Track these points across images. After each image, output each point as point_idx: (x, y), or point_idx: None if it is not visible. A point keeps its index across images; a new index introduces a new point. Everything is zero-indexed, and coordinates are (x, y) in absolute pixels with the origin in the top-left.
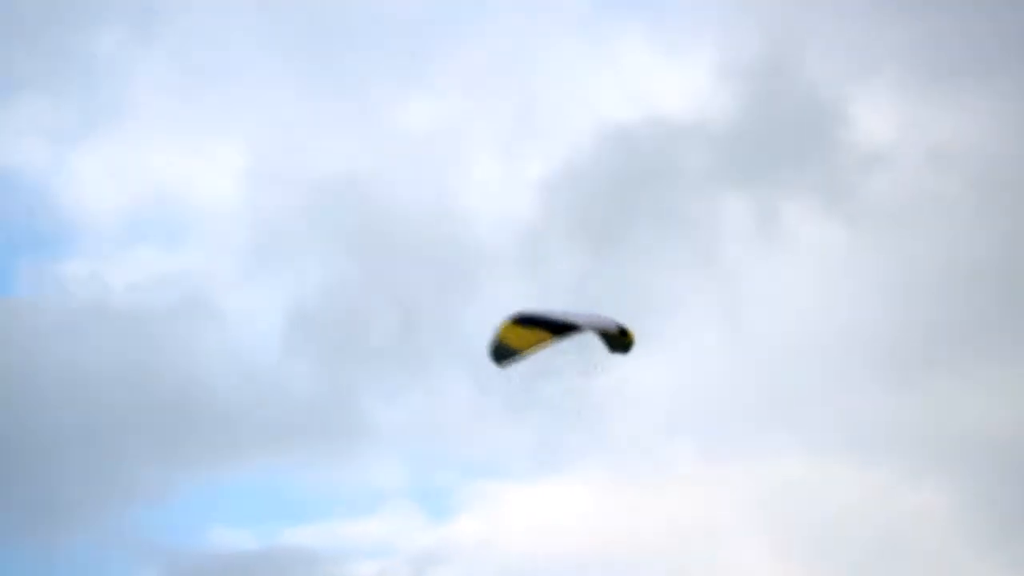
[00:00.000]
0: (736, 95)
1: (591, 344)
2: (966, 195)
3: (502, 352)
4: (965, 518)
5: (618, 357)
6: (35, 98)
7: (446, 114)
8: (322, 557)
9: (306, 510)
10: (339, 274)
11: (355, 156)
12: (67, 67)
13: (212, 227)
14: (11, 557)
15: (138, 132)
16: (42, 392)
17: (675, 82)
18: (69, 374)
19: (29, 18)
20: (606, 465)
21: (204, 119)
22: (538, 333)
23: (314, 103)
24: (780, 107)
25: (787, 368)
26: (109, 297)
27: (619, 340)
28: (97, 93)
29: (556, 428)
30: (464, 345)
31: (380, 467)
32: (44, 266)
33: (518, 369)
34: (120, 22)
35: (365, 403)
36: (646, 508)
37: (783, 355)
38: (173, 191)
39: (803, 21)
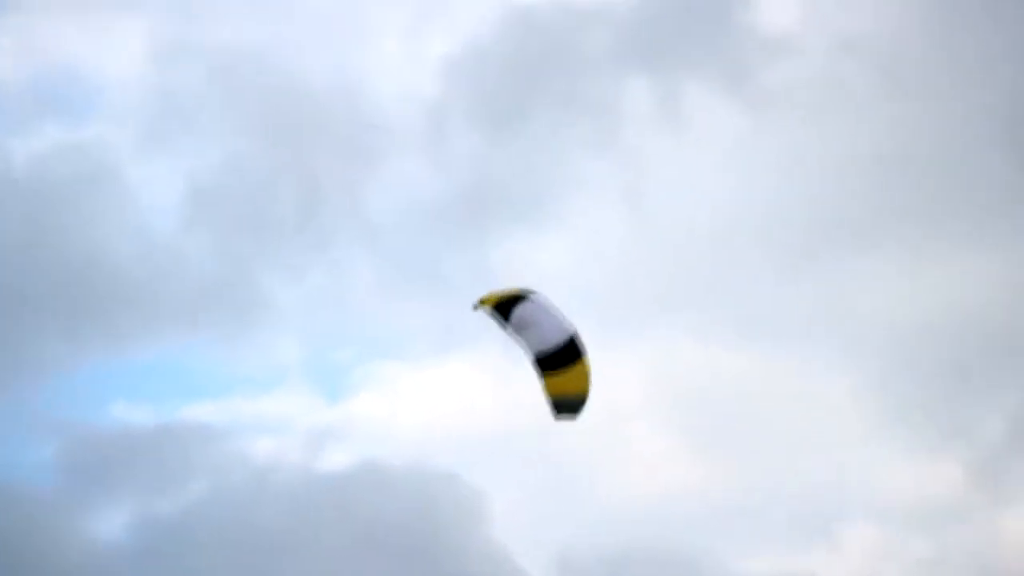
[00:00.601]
0: None
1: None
2: (871, 83)
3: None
4: (858, 404)
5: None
6: None
7: None
8: (219, 433)
9: (205, 387)
10: (241, 148)
11: (259, 30)
12: None
13: (114, 99)
14: None
15: (39, 5)
16: None
17: None
18: None
19: None
20: (504, 347)
21: None
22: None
23: None
24: None
25: (685, 252)
26: (11, 170)
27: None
28: None
29: (455, 309)
30: (365, 222)
31: (279, 345)
32: None
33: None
34: None
35: (265, 280)
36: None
37: (682, 239)
38: (75, 63)
39: None
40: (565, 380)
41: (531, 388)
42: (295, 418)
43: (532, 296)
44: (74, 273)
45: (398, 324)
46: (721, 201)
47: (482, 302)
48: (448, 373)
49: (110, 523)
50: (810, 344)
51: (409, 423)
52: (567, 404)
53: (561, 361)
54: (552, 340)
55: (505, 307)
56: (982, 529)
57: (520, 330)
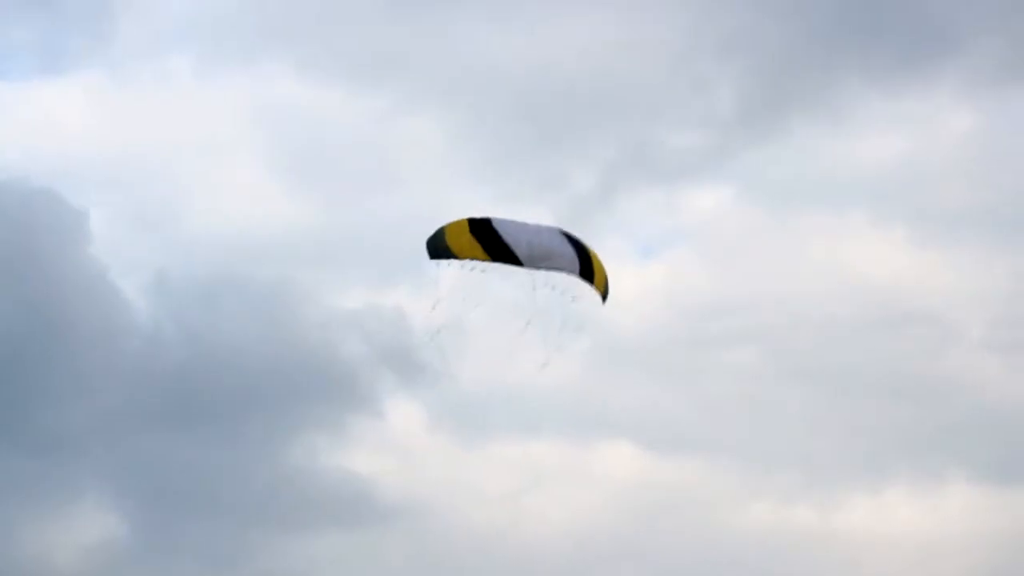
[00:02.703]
0: None
1: None
2: None
3: (438, 248)
4: (458, 148)
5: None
6: None
7: None
8: None
9: None
10: None
11: None
12: None
13: None
14: None
15: None
16: None
17: None
18: None
19: None
20: (108, 72)
21: None
22: (480, 249)
23: None
24: None
25: None
26: None
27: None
28: None
29: (61, 31)
30: None
31: None
32: None
33: None
34: None
35: None
36: (142, 117)
37: None
38: None
39: None
40: (598, 271)
41: (134, 110)
42: None
43: (494, 220)
44: None
45: (1, 43)
46: None
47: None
48: (50, 94)
49: None
50: (408, 84)
51: (9, 141)
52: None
53: (584, 262)
54: (568, 253)
55: (493, 245)
56: None
57: (539, 261)
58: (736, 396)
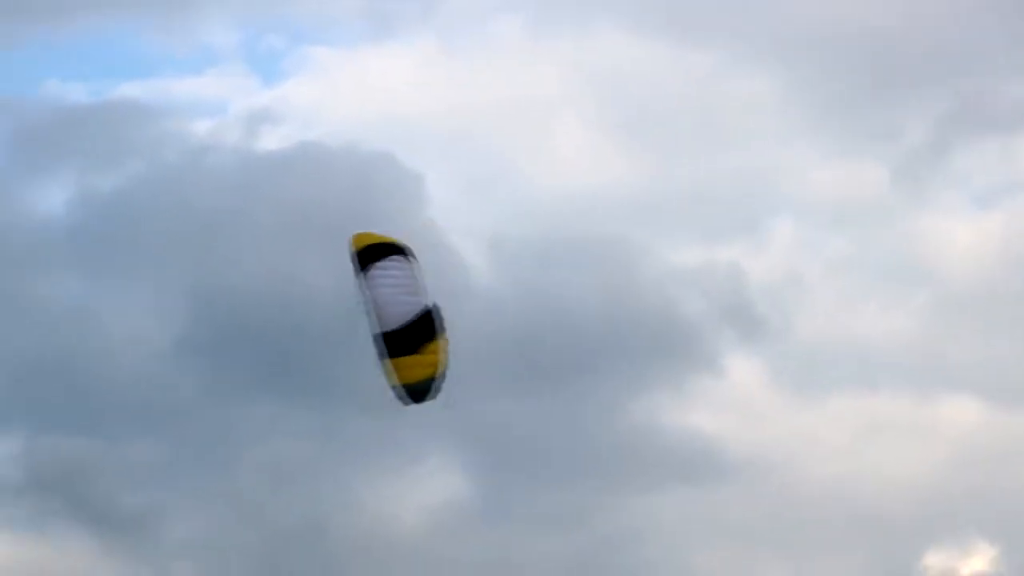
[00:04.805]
0: None
1: None
2: None
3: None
4: (786, 103)
5: None
6: None
7: None
8: (155, 113)
9: (139, 67)
10: None
11: None
12: None
13: None
14: None
15: None
16: None
17: None
18: None
19: None
20: (436, 35)
21: None
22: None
23: None
24: None
25: None
26: None
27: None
28: None
29: None
30: None
31: (212, 27)
32: None
33: None
34: None
35: None
36: (473, 81)
37: None
38: None
39: None
40: (413, 364)
41: (464, 73)
42: (231, 99)
43: (405, 257)
44: None
45: (328, 10)
46: None
47: (355, 239)
48: (381, 58)
49: (48, 199)
50: (739, 41)
51: (344, 106)
52: (416, 391)
53: (412, 341)
54: (402, 315)
55: (370, 256)
56: (902, 229)
57: (370, 288)
58: None
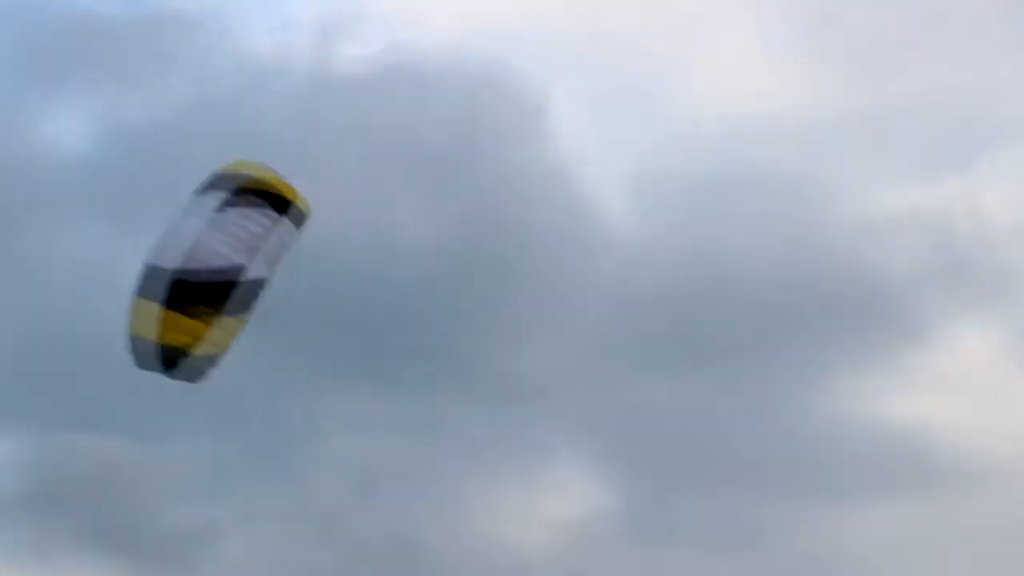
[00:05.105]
0: None
1: None
2: None
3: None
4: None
5: None
6: None
7: None
8: (207, 26)
9: None
10: None
11: None
12: None
13: None
14: None
15: None
16: None
17: None
18: None
19: None
20: None
21: None
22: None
23: None
24: None
25: None
26: None
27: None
28: None
29: None
30: None
31: None
32: None
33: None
34: None
35: None
36: None
37: None
38: None
39: None
40: (183, 325)
41: None
42: (299, 8)
43: (280, 216)
44: None
45: None
46: None
47: (237, 162)
48: None
49: (70, 130)
50: None
51: (443, 9)
52: (170, 356)
53: (195, 297)
54: (204, 262)
55: (235, 189)
56: None
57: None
58: None
